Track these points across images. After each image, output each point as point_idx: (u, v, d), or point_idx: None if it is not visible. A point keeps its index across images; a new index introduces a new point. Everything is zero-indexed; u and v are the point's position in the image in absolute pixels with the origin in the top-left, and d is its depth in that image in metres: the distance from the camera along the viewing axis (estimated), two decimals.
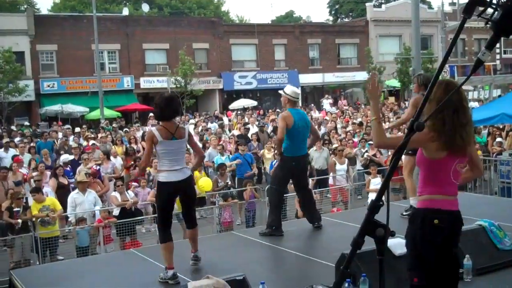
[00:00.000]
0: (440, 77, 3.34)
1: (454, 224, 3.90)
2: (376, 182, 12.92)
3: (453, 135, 3.80)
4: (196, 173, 13.76)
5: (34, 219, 10.70)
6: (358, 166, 15.46)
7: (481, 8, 2.74)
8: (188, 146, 6.49)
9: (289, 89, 7.89)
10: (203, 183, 13.07)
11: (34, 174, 13.46)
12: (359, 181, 14.86)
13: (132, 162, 14.55)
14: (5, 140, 18.19)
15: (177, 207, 9.84)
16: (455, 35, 2.84)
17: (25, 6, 44.38)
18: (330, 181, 14.34)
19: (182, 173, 5.98)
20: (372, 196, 12.89)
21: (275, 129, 20.99)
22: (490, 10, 2.73)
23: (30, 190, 11.66)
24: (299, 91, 8.20)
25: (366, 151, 15.48)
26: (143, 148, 16.75)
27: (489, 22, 2.72)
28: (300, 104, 36.32)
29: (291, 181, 8.25)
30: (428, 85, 6.78)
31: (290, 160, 7.66)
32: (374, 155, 15.12)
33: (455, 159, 3.88)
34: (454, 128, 3.79)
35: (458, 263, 4.09)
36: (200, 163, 7.28)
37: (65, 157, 15.01)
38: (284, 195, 8.88)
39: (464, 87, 9.01)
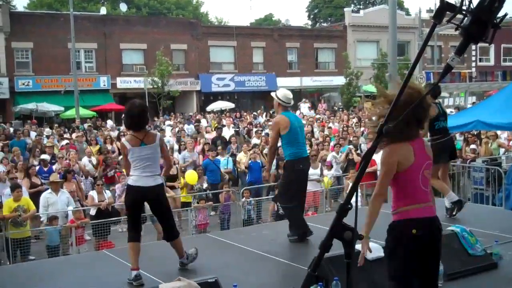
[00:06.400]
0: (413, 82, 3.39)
1: (432, 231, 3.93)
2: None
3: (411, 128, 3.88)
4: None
5: (5, 219, 10.51)
6: (334, 170, 15.43)
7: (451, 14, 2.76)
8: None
9: (281, 93, 7.41)
10: (188, 176, 13.14)
11: (16, 173, 13.24)
12: (334, 185, 14.85)
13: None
14: None
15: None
16: (425, 39, 2.87)
17: (0, 3, 43.74)
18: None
19: (152, 179, 5.89)
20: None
21: (248, 132, 20.97)
22: (460, 16, 2.75)
23: (10, 187, 11.34)
24: (291, 95, 7.50)
25: (348, 154, 15.36)
26: (118, 149, 16.68)
27: (459, 28, 2.74)
28: None
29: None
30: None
31: (296, 163, 7.21)
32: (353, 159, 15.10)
33: (421, 165, 3.93)
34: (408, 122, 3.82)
35: (437, 273, 4.12)
36: (167, 171, 7.05)
37: (45, 157, 14.77)
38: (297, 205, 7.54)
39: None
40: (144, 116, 6.05)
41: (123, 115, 6.50)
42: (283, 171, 7.56)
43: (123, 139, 6.12)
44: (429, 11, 47.27)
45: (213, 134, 20.09)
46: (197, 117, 28.75)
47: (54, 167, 14.15)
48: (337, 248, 2.93)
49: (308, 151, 15.00)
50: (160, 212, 6.18)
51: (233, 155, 16.53)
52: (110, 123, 26.70)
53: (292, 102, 7.56)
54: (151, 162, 5.91)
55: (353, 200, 2.87)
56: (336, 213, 2.73)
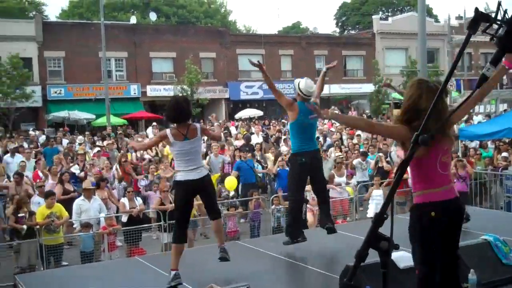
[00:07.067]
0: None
1: (451, 213, 4.00)
2: (377, 194, 12.79)
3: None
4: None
5: (38, 226, 10.68)
6: (358, 177, 15.26)
7: (486, 24, 2.76)
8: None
9: (303, 84, 7.30)
10: (228, 182, 13.25)
11: (51, 181, 13.46)
12: (360, 193, 14.75)
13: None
14: (13, 145, 18.30)
15: None
16: (459, 50, 2.87)
17: (34, 13, 44.55)
18: (332, 194, 14.07)
19: (198, 172, 6.04)
20: (371, 206, 12.81)
21: (277, 140, 21.01)
22: (495, 26, 2.75)
23: (44, 194, 11.47)
24: (312, 88, 7.37)
25: (378, 162, 15.23)
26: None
27: (494, 38, 2.74)
28: None
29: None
30: None
31: (299, 156, 7.19)
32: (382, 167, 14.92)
33: (438, 153, 3.99)
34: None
35: (456, 254, 4.14)
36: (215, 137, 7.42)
37: (76, 170, 14.97)
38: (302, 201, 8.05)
39: None
40: (188, 108, 6.21)
41: (165, 111, 6.64)
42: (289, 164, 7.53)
43: (167, 130, 6.24)
44: (458, 17, 46.78)
45: (242, 141, 20.14)
46: (225, 125, 28.83)
47: (82, 173, 14.40)
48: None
49: (335, 158, 15.15)
50: (208, 197, 6.36)
51: (258, 162, 16.54)
52: (150, 130, 26.30)
53: (313, 95, 7.41)
54: (193, 156, 6.07)
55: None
56: (372, 223, 2.75)
